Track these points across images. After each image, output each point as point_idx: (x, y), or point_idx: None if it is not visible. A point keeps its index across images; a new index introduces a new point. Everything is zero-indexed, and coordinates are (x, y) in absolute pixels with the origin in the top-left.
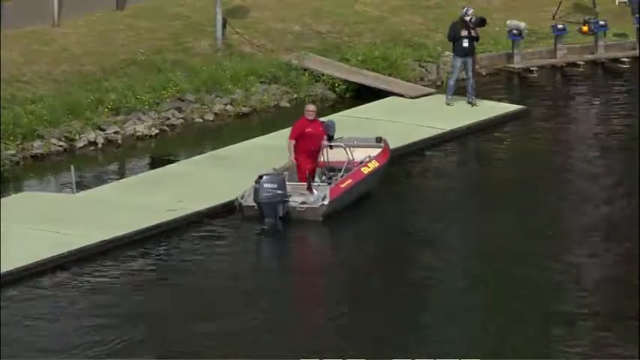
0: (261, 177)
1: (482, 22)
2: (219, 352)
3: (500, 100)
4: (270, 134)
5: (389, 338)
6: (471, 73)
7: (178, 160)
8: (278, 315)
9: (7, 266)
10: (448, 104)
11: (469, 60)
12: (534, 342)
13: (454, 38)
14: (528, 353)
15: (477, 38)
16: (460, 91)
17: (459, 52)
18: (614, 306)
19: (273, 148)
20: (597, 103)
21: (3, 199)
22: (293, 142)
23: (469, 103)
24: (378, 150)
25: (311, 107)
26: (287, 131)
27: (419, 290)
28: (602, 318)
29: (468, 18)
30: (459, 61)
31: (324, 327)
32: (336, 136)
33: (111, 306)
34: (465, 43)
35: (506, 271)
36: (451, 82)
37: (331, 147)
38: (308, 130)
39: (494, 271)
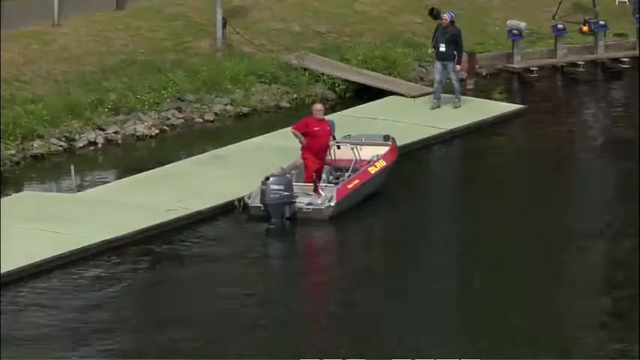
0: (267, 178)
1: (430, 12)
2: (220, 352)
3: (500, 100)
4: (270, 134)
5: (391, 338)
6: (453, 75)
7: (178, 160)
8: (279, 315)
9: (7, 266)
10: (432, 108)
11: (448, 64)
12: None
13: (434, 44)
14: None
15: (454, 41)
16: (463, 92)
17: (437, 56)
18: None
19: (274, 148)
20: (597, 102)
21: (3, 199)
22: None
23: (455, 107)
24: (386, 149)
25: (319, 106)
26: (287, 130)
27: (423, 289)
28: (604, 317)
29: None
30: (438, 64)
31: (325, 327)
32: (342, 135)
33: (111, 306)
34: (442, 48)
35: (510, 270)
36: (434, 85)
37: (339, 147)
38: (316, 128)
39: (498, 269)
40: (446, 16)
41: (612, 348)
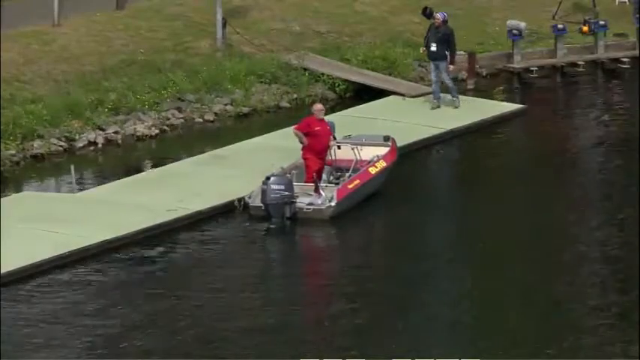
0: (268, 178)
1: (424, 11)
2: (220, 352)
3: (500, 100)
4: (271, 134)
5: (391, 338)
6: (444, 75)
7: (178, 160)
8: (280, 315)
9: (7, 266)
10: (432, 108)
11: (440, 64)
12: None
13: (426, 44)
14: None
15: (446, 41)
16: (462, 92)
17: (428, 55)
18: (615, 304)
19: (274, 148)
20: (597, 103)
21: (3, 199)
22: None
23: (454, 107)
24: (386, 149)
25: (319, 106)
26: (287, 130)
27: (423, 289)
28: (604, 316)
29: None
30: (432, 65)
31: (325, 327)
32: (342, 135)
33: (112, 306)
34: (433, 47)
35: (510, 270)
36: (432, 86)
37: (339, 147)
38: (317, 128)
39: (498, 269)
40: (438, 16)
41: (612, 348)
